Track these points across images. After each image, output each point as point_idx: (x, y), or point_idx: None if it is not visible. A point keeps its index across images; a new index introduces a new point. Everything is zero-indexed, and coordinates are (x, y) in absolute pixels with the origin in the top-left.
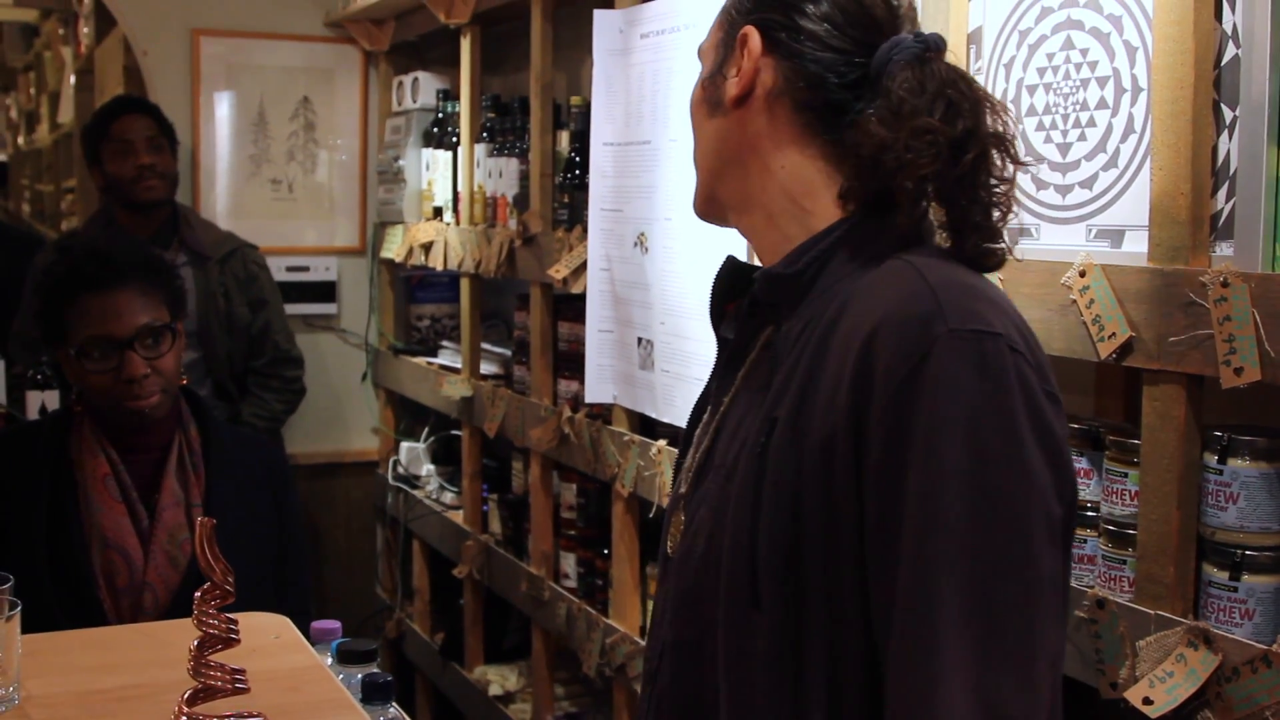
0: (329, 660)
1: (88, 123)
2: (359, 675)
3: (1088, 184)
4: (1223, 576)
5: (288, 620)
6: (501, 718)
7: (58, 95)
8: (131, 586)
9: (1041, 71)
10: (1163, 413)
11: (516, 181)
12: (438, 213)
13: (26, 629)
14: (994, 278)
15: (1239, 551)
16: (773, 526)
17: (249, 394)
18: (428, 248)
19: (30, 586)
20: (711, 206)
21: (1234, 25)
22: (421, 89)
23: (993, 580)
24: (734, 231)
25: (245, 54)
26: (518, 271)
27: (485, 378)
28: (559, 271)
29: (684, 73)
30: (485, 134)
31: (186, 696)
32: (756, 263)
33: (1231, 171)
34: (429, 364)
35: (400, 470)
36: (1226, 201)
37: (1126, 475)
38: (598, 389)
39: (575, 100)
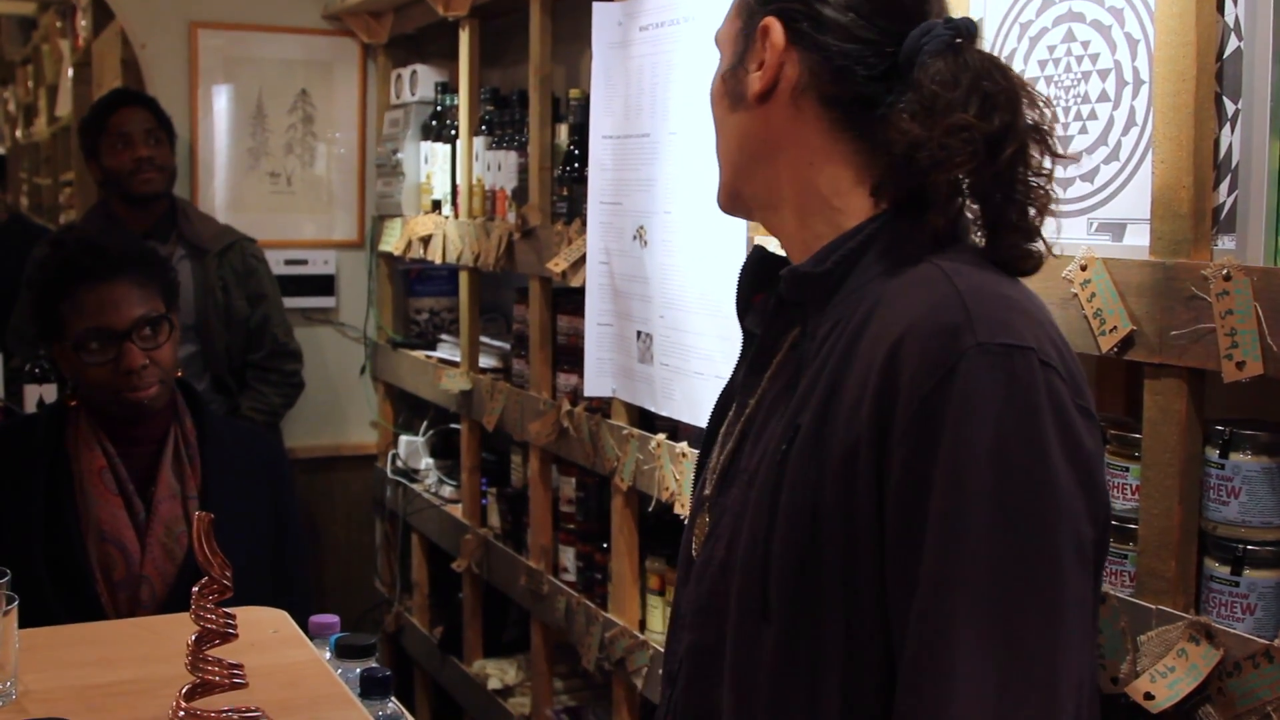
0: (328, 655)
1: (85, 116)
2: (358, 670)
3: (1089, 177)
4: (1224, 571)
5: (286, 615)
6: (500, 711)
7: (55, 88)
8: (128, 579)
9: (1042, 64)
10: (1164, 407)
11: (515, 175)
12: (436, 206)
13: (23, 623)
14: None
15: (1240, 546)
16: (787, 537)
17: (247, 388)
18: (426, 241)
19: (27, 580)
20: (736, 202)
21: (1236, 18)
22: (420, 82)
23: (1015, 604)
24: (733, 227)
25: (243, 47)
26: (517, 265)
27: (484, 371)
28: (558, 265)
29: (683, 66)
30: (484, 127)
31: (184, 691)
32: (784, 254)
33: (1233, 165)
34: (428, 357)
35: (399, 464)
36: (1228, 195)
37: (1128, 470)
38: (597, 383)
39: (574, 93)
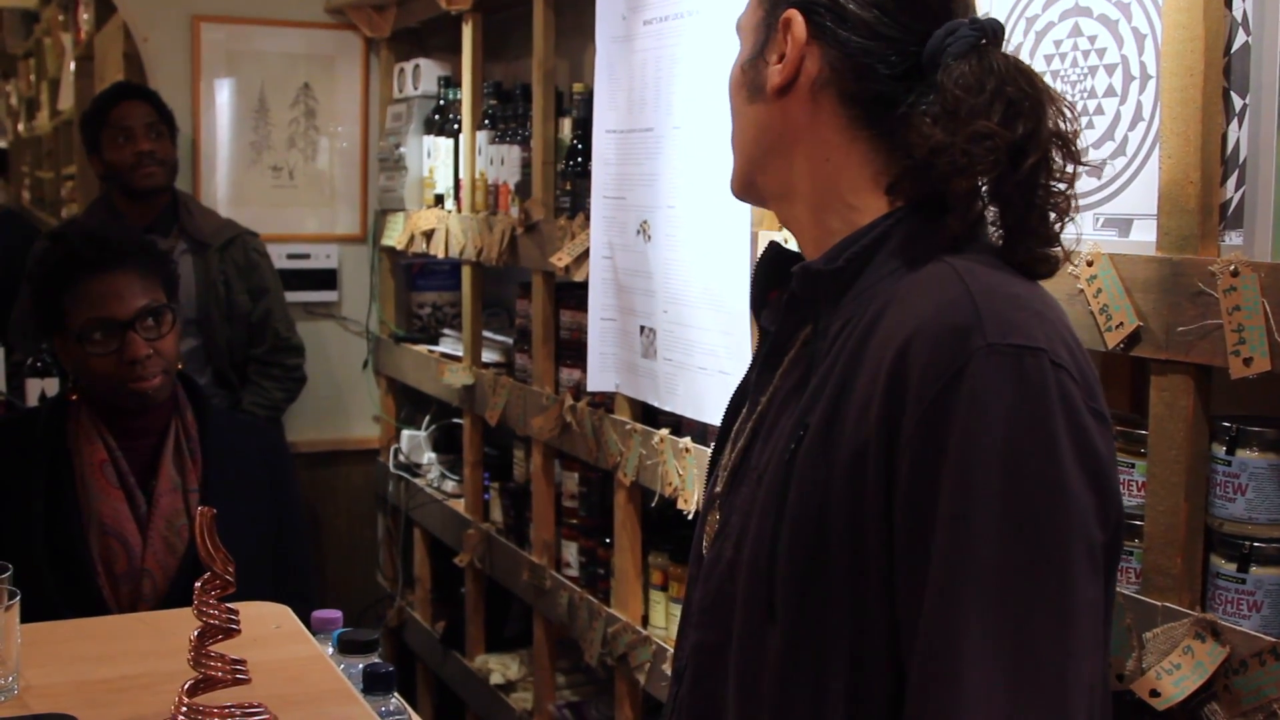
0: (330, 650)
1: (86, 110)
2: (360, 665)
3: (1095, 172)
4: (1231, 568)
5: (288, 610)
6: (503, 707)
7: (58, 82)
8: (130, 573)
9: (1049, 59)
10: (1171, 403)
11: (518, 169)
12: (439, 200)
13: (25, 618)
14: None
15: (1247, 543)
16: (794, 538)
17: (249, 382)
18: (429, 235)
19: (29, 575)
20: (750, 191)
21: (1244, 12)
22: (423, 76)
23: (1025, 608)
24: (737, 222)
25: (246, 40)
26: (519, 259)
27: (487, 366)
28: (561, 259)
29: (687, 60)
30: (487, 121)
31: (187, 687)
32: (797, 248)
33: (1241, 160)
34: (430, 352)
35: (401, 458)
36: (1236, 190)
37: (1134, 466)
38: (600, 377)
39: (577, 87)
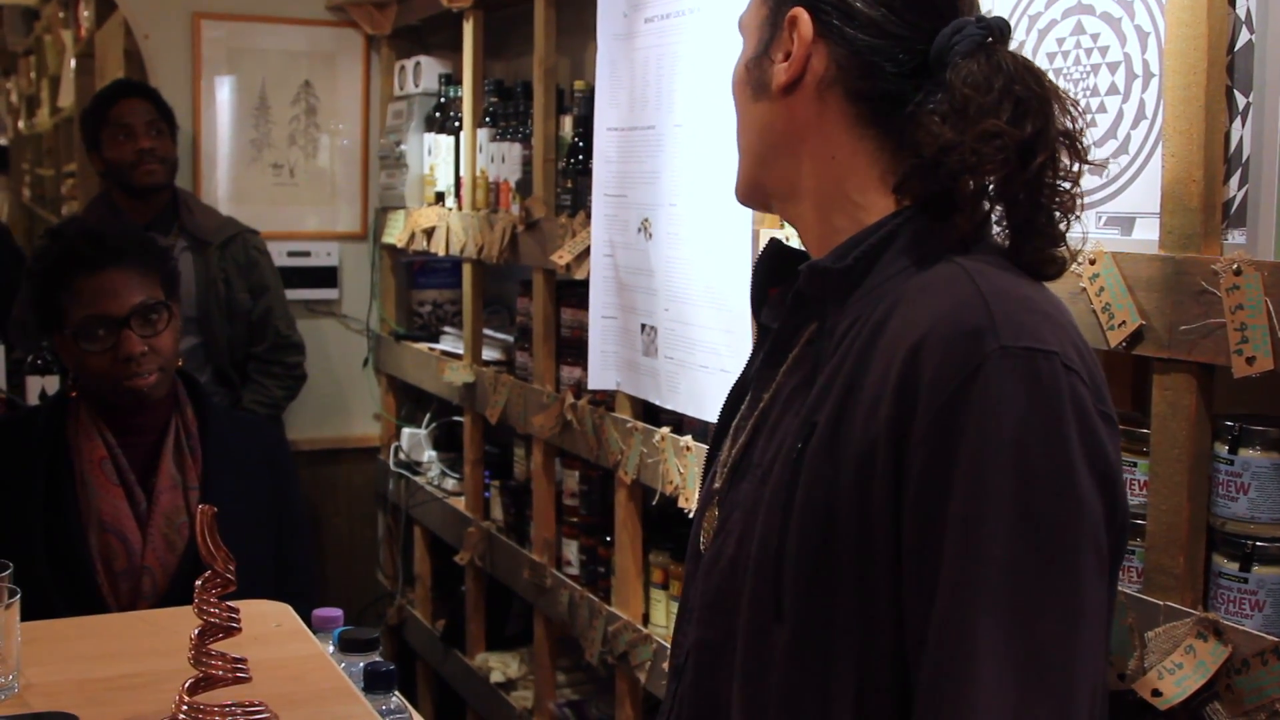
0: (331, 648)
1: (87, 107)
2: (361, 664)
3: (1098, 170)
4: (1233, 567)
5: (289, 608)
6: (503, 705)
7: (58, 79)
8: (129, 570)
9: (1051, 57)
10: (1173, 402)
11: (519, 166)
12: (440, 198)
13: (25, 615)
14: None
15: (1249, 542)
16: (802, 536)
17: (250, 380)
18: (430, 233)
19: (28, 572)
20: (755, 193)
21: (1247, 10)
22: (424, 73)
23: (1035, 611)
24: (739, 220)
25: (246, 38)
26: (520, 257)
27: (487, 364)
28: (562, 257)
29: (689, 57)
30: (488, 119)
31: (188, 686)
32: (799, 245)
33: (1244, 158)
34: (431, 350)
35: (402, 456)
36: (1239, 189)
37: (1136, 465)
38: (601, 376)
39: (579, 85)
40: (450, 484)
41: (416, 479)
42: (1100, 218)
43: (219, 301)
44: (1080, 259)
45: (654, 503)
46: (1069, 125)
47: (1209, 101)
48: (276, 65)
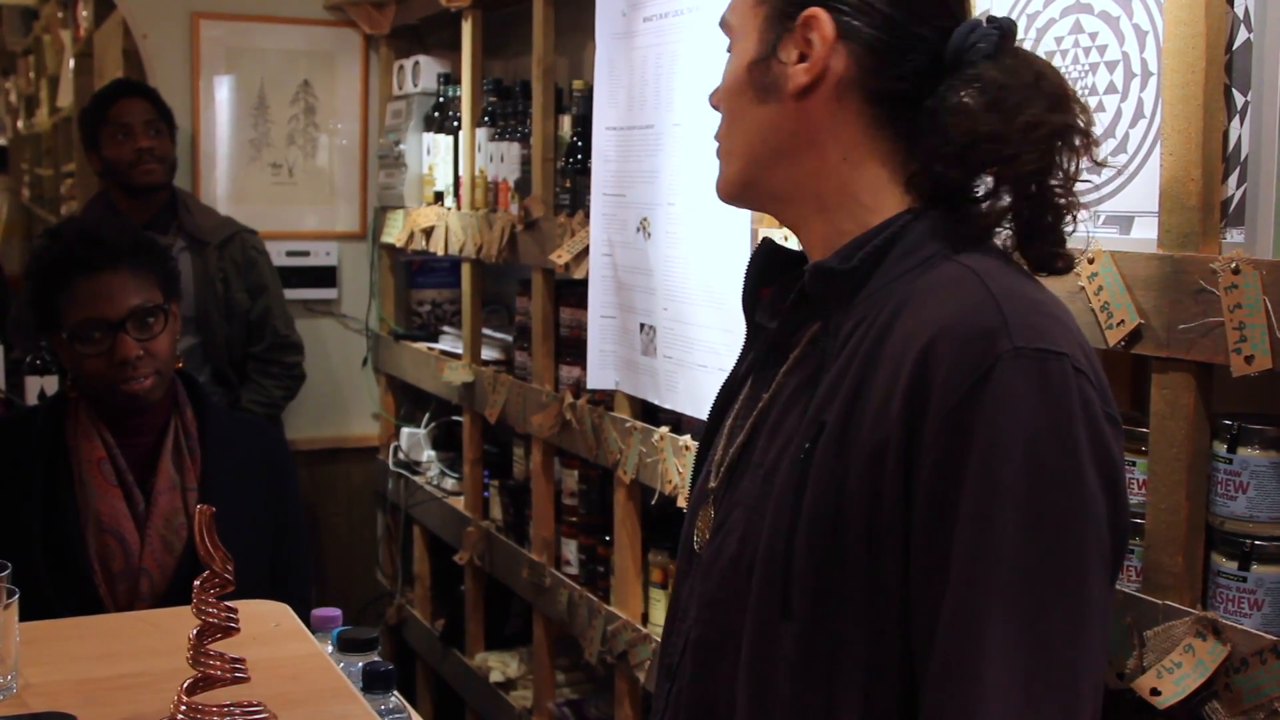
0: (329, 648)
1: (85, 107)
2: (360, 663)
3: (1097, 169)
4: (1232, 566)
5: (288, 608)
6: (502, 704)
7: (57, 79)
8: (127, 571)
9: (1050, 55)
10: (1172, 401)
11: (518, 166)
12: (439, 197)
13: (23, 615)
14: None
15: (1248, 541)
16: (811, 535)
17: (248, 380)
18: (429, 232)
19: (26, 573)
20: (747, 193)
21: (1246, 9)
22: (422, 73)
23: (1044, 607)
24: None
25: (245, 37)
26: (519, 256)
27: (486, 363)
28: (561, 257)
29: (688, 57)
30: (486, 118)
31: (186, 686)
32: (793, 246)
33: (1243, 157)
34: (430, 349)
35: (401, 456)
36: (1237, 188)
37: (1134, 464)
38: (600, 375)
39: (577, 84)
40: (449, 483)
41: (415, 478)
42: (1099, 216)
43: (217, 301)
44: (1079, 258)
45: (653, 502)
46: (1084, 124)
47: (1207, 100)
48: (275, 65)
